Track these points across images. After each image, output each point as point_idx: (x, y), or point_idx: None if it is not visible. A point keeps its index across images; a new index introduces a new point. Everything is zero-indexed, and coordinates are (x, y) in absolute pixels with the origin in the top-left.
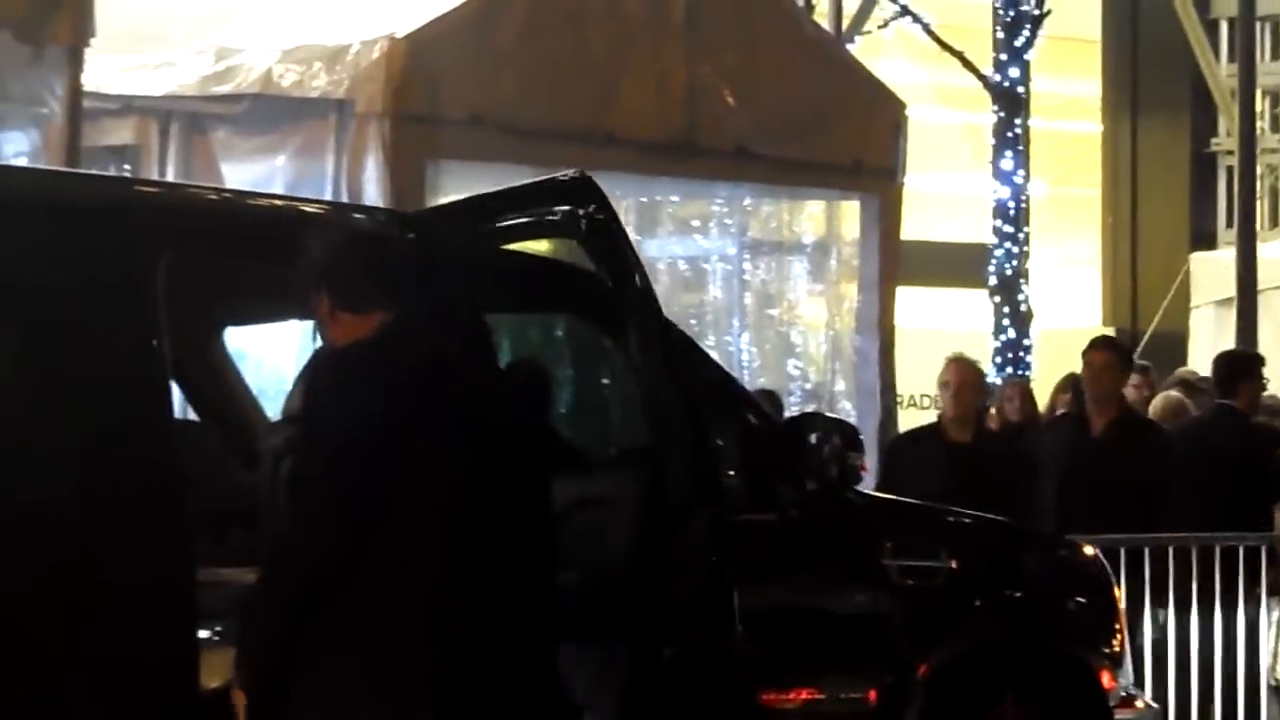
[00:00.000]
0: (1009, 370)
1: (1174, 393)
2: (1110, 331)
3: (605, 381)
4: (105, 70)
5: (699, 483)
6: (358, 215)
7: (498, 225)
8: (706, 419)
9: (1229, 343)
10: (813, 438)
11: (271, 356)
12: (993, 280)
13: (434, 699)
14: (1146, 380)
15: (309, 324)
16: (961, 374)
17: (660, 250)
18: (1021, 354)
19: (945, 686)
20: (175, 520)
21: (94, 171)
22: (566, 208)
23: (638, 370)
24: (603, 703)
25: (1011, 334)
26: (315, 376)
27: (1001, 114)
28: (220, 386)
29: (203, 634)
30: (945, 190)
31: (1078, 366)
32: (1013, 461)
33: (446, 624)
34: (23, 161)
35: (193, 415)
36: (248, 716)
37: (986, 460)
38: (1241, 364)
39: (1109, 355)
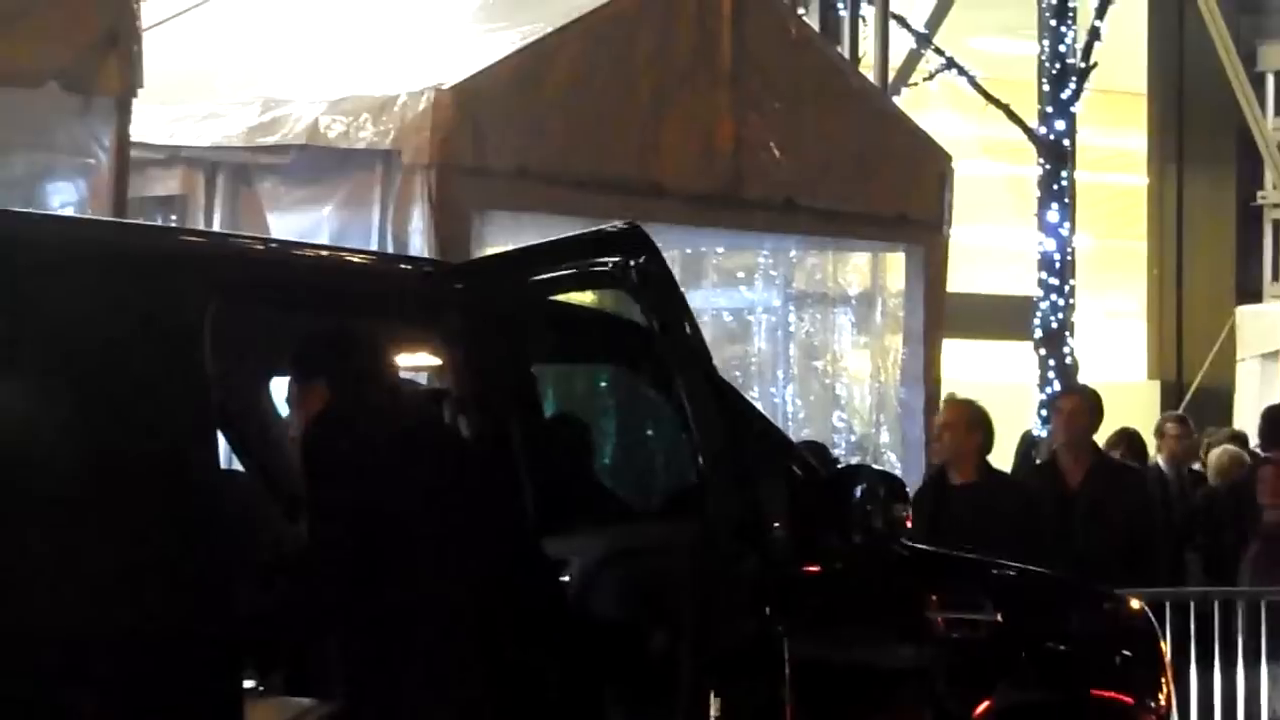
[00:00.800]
0: None
1: (1232, 447)
2: (1156, 385)
3: (651, 432)
4: (152, 121)
5: (747, 534)
6: (404, 266)
7: (547, 276)
8: (754, 471)
9: (1275, 396)
10: (858, 490)
11: None
12: (1038, 333)
13: None
14: (1185, 430)
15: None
16: (946, 415)
17: (705, 302)
18: None
19: None
20: (223, 567)
21: (141, 221)
22: (617, 258)
23: (687, 421)
24: None
25: (1057, 387)
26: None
27: (1047, 166)
28: (267, 436)
29: (247, 684)
30: (991, 243)
31: (1124, 420)
32: (1019, 502)
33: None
34: (69, 212)
35: (239, 465)
36: None
37: (988, 501)
38: None
39: (1077, 401)
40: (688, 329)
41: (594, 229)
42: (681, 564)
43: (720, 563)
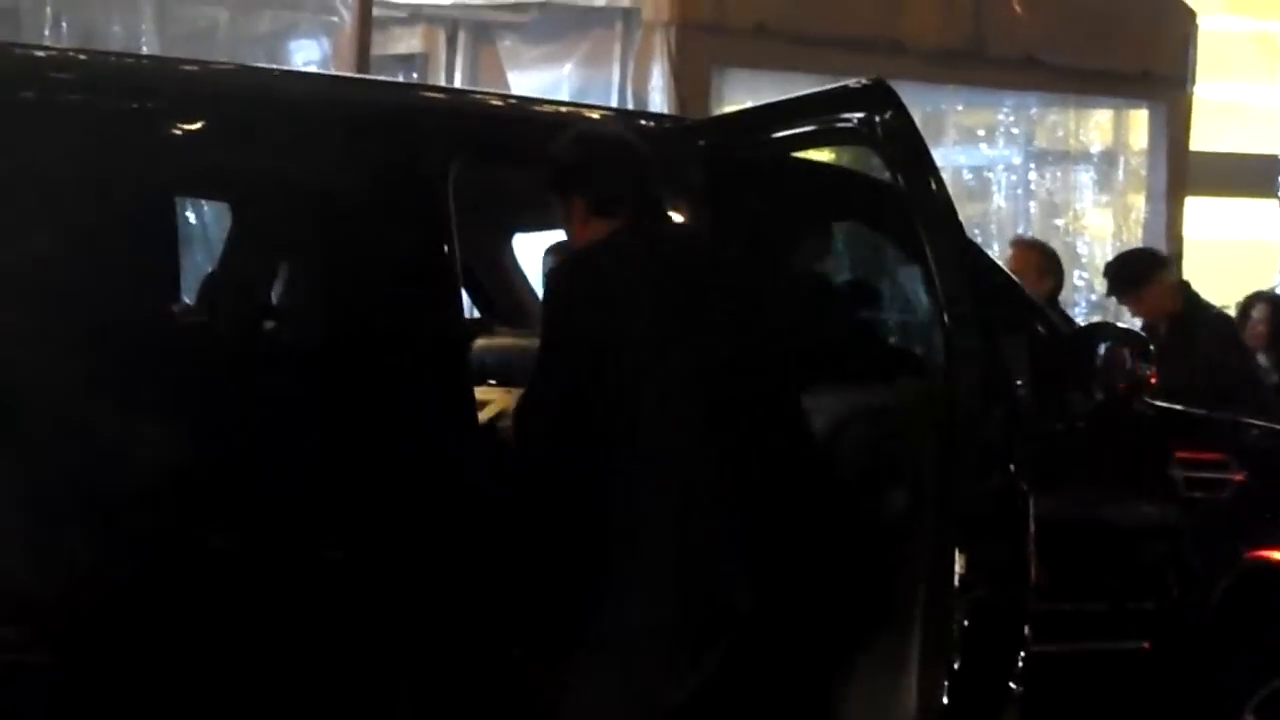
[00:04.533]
0: None
1: None
2: None
3: (894, 290)
4: None
5: (991, 391)
6: (645, 122)
7: (790, 132)
8: (998, 329)
9: None
10: (1102, 348)
11: None
12: None
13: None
14: None
15: None
16: (1019, 259)
17: (945, 159)
18: None
19: (1233, 601)
20: (467, 432)
21: (385, 78)
22: (862, 114)
23: (934, 277)
24: (895, 609)
25: None
26: (555, 282)
27: None
28: (509, 295)
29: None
30: (1235, 100)
31: None
32: None
33: (714, 535)
34: (313, 69)
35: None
36: None
37: None
38: None
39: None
40: (934, 185)
41: (838, 84)
42: (926, 421)
43: (965, 420)
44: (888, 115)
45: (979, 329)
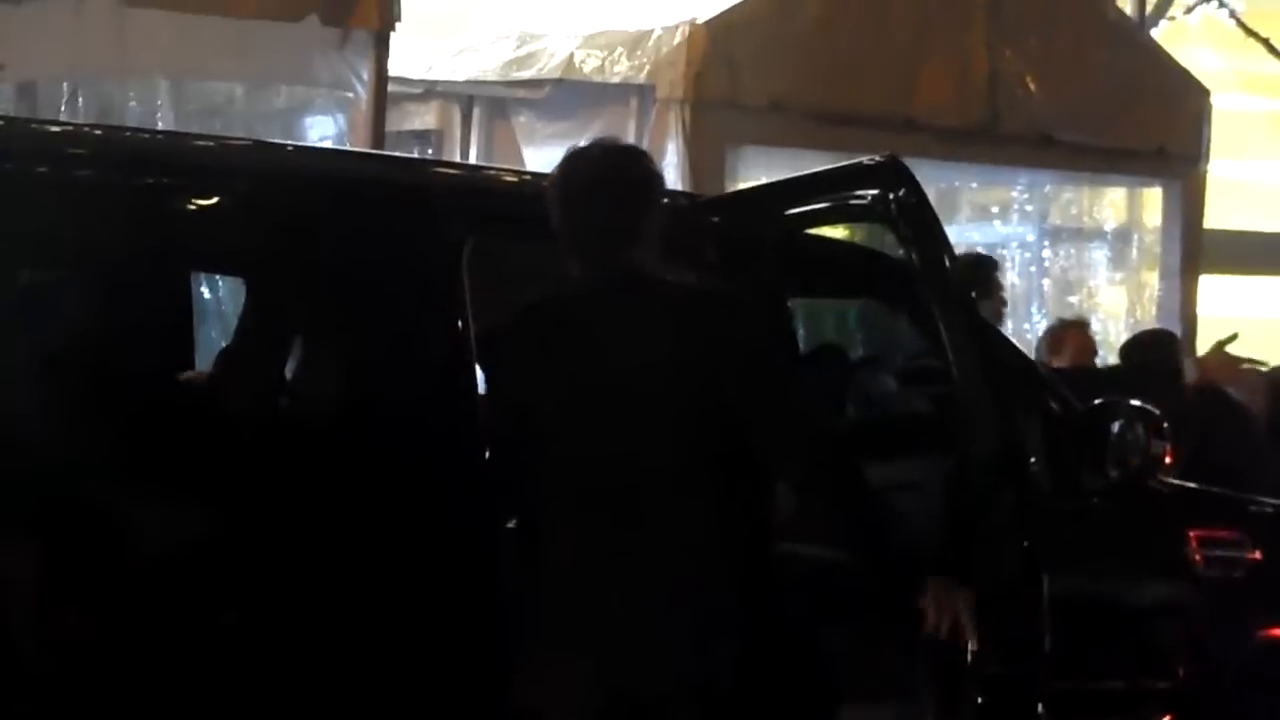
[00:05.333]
0: None
1: None
2: None
3: (902, 366)
4: (409, 55)
5: (1009, 467)
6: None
7: (803, 209)
8: (1010, 406)
9: None
10: (1115, 425)
11: None
12: None
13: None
14: None
15: None
16: (1076, 340)
17: (959, 236)
18: None
19: (1249, 680)
20: (479, 502)
21: (399, 154)
22: (875, 191)
23: (947, 353)
24: (909, 687)
25: None
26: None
27: None
28: None
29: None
30: (1249, 178)
31: None
32: None
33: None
34: (328, 145)
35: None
36: None
37: None
38: None
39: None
40: (947, 263)
41: (851, 162)
42: (938, 498)
43: (977, 497)
44: (901, 192)
45: (991, 405)
